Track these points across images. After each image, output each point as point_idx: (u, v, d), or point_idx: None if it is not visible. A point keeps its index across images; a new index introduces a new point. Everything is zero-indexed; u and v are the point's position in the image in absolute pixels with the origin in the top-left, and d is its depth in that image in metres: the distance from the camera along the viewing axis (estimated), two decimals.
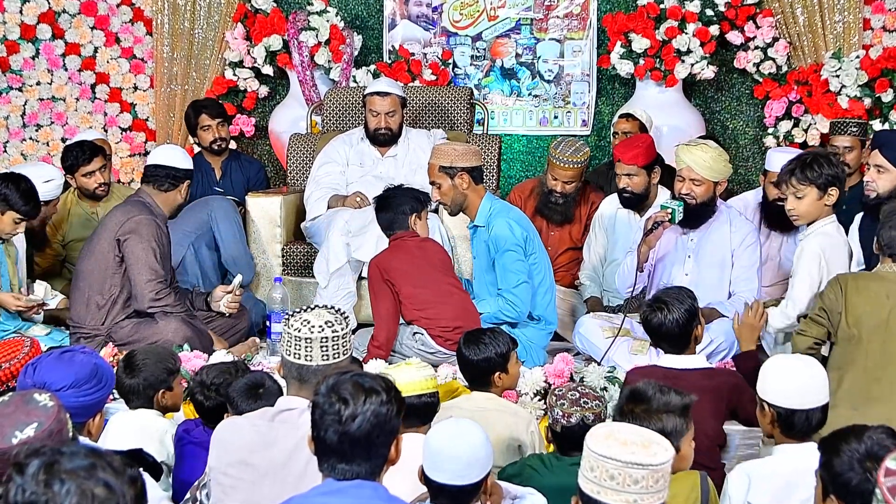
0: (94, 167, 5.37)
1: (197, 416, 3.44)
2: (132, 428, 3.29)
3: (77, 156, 5.38)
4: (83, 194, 5.47)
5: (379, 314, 4.47)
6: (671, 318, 3.46)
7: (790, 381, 2.90)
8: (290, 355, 2.67)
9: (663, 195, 4.97)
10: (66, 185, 5.48)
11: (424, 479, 2.47)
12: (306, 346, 2.64)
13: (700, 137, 5.97)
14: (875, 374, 3.52)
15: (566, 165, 5.16)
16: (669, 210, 4.42)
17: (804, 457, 2.81)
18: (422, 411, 3.03)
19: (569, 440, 3.00)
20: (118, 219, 4.53)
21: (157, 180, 4.59)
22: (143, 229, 4.48)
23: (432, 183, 4.63)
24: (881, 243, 3.60)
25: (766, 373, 2.97)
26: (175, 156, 4.69)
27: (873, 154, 4.12)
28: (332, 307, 2.76)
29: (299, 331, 2.64)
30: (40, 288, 5.00)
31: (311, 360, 2.65)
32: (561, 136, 6.53)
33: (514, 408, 3.56)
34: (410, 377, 2.94)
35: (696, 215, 4.52)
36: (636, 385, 2.81)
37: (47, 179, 4.98)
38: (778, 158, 5.01)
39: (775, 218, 5.03)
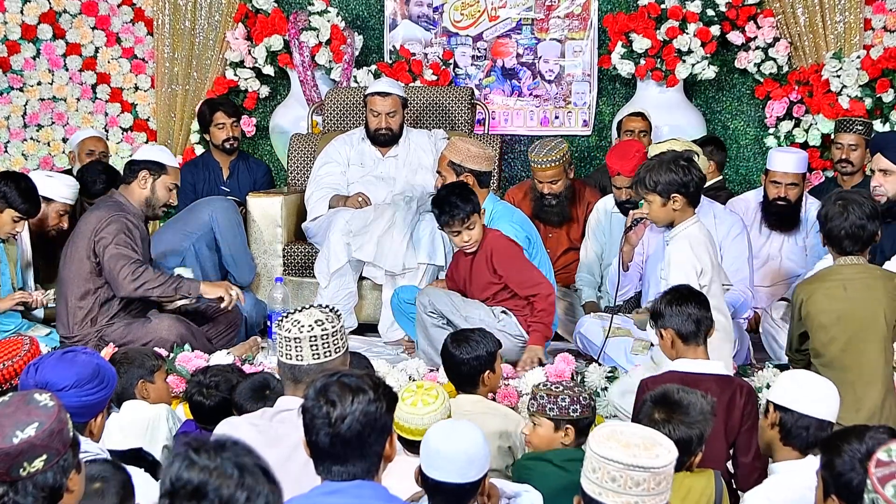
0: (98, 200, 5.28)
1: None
2: (124, 425, 3.29)
3: (87, 184, 5.28)
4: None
5: (536, 271, 4.41)
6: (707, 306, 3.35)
7: (802, 387, 2.91)
8: (282, 356, 2.70)
9: None
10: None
11: (422, 479, 2.47)
12: (296, 346, 2.66)
13: (706, 139, 6.00)
14: (842, 363, 3.55)
15: (545, 166, 5.17)
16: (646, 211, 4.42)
17: (807, 472, 2.79)
18: None
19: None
20: (92, 224, 4.54)
21: (124, 175, 4.72)
22: (112, 226, 4.49)
23: (439, 172, 4.65)
24: (832, 242, 3.62)
25: (782, 378, 3.00)
26: (145, 151, 4.81)
27: (876, 158, 4.11)
28: (326, 306, 2.77)
29: (289, 331, 2.67)
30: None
31: (302, 360, 2.67)
32: (561, 136, 6.53)
33: (503, 409, 3.57)
34: (419, 423, 2.88)
35: None
36: (664, 392, 2.77)
37: (50, 176, 4.97)
38: (779, 158, 5.01)
39: (776, 218, 5.03)
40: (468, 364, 3.43)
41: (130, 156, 6.98)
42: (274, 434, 2.65)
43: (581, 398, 3.09)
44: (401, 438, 2.86)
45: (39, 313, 4.89)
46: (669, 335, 3.32)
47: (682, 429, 2.67)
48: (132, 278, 4.45)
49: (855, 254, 3.61)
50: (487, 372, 3.46)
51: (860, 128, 5.40)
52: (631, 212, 4.51)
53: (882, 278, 3.63)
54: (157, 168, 4.61)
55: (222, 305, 4.59)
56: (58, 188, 4.92)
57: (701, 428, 2.71)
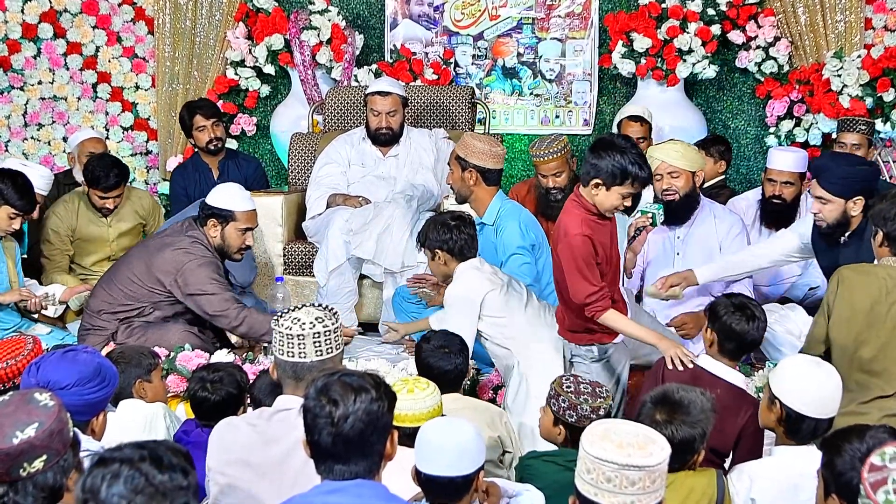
0: (109, 195, 5.34)
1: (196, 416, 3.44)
2: (122, 424, 3.29)
3: (99, 178, 5.29)
4: (91, 203, 5.44)
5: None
6: (764, 324, 3.37)
7: (811, 387, 2.89)
8: (283, 354, 2.69)
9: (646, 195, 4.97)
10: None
11: (417, 475, 2.48)
12: (299, 344, 2.66)
13: (710, 139, 6.00)
14: (871, 368, 3.44)
15: (547, 158, 5.15)
16: (650, 214, 4.43)
17: (805, 459, 2.82)
18: None
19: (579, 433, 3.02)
20: (179, 257, 4.49)
21: (199, 217, 4.63)
22: (205, 270, 4.47)
23: (449, 164, 4.68)
24: (893, 242, 3.44)
25: (786, 371, 2.95)
26: (216, 194, 4.67)
27: (812, 184, 4.00)
28: (320, 305, 2.78)
29: (290, 329, 2.67)
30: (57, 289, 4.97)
31: (304, 357, 2.67)
32: (561, 134, 6.54)
33: (484, 404, 3.62)
34: (418, 408, 2.90)
35: (681, 210, 4.51)
36: (664, 393, 2.78)
37: (25, 165, 4.99)
38: (776, 156, 5.03)
39: (772, 216, 5.01)
40: (459, 368, 3.52)
41: (146, 154, 7.03)
42: (272, 434, 2.65)
43: (595, 413, 3.03)
44: (400, 431, 2.87)
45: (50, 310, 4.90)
46: (712, 337, 3.40)
47: (685, 429, 2.68)
48: (240, 327, 4.47)
49: None
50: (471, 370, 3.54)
51: (863, 127, 5.39)
52: (633, 222, 4.50)
53: None
54: (224, 215, 4.54)
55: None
56: (33, 179, 4.89)
57: (703, 426, 2.72)
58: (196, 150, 6.11)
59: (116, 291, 4.58)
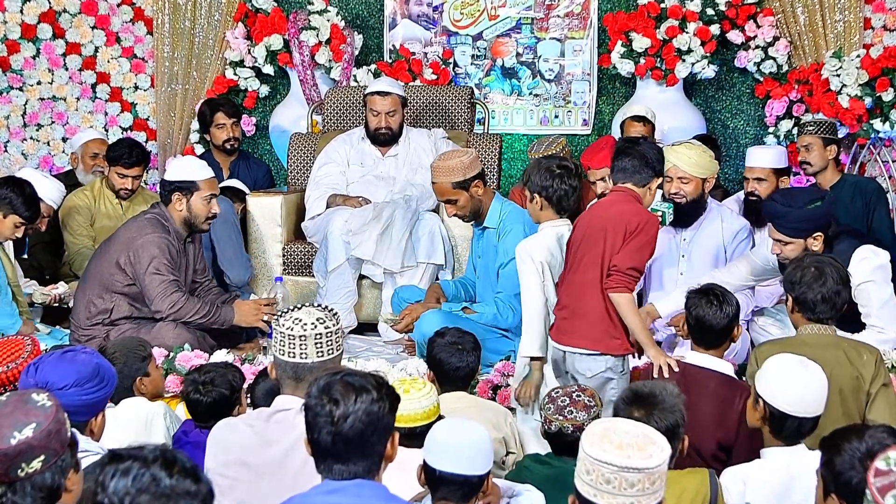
0: (129, 173, 5.43)
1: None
2: (122, 422, 3.29)
3: (121, 155, 5.41)
4: (110, 186, 5.54)
5: None
6: (724, 311, 3.34)
7: (793, 386, 2.87)
8: (283, 355, 2.68)
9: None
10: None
11: (426, 473, 2.47)
12: (301, 344, 2.65)
13: (700, 136, 5.98)
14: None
15: None
16: (659, 213, 4.43)
17: (796, 460, 2.82)
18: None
19: (554, 443, 3.03)
20: (132, 234, 4.53)
21: (161, 195, 4.66)
22: (153, 248, 4.47)
23: (447, 201, 4.62)
24: (804, 308, 3.42)
25: (769, 369, 2.94)
26: (174, 169, 4.69)
27: (770, 228, 4.03)
28: (320, 305, 2.77)
29: (292, 329, 2.65)
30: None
31: (306, 358, 2.66)
32: (561, 135, 6.53)
33: (489, 403, 3.63)
34: (414, 408, 2.89)
35: (687, 214, 4.51)
36: (634, 390, 2.78)
37: (45, 176, 5.01)
38: (750, 153, 5.07)
39: (751, 213, 4.99)
40: (471, 366, 3.51)
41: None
42: (270, 434, 2.64)
43: (547, 423, 3.02)
44: (400, 432, 2.86)
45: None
46: (686, 328, 3.46)
47: (667, 416, 2.69)
48: (170, 308, 4.47)
49: (826, 322, 3.41)
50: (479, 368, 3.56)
51: (811, 128, 5.33)
52: None
53: (851, 349, 3.38)
54: (188, 186, 4.54)
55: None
56: (49, 190, 4.99)
57: (680, 409, 2.73)
58: (203, 151, 6.15)
59: (89, 291, 4.57)
